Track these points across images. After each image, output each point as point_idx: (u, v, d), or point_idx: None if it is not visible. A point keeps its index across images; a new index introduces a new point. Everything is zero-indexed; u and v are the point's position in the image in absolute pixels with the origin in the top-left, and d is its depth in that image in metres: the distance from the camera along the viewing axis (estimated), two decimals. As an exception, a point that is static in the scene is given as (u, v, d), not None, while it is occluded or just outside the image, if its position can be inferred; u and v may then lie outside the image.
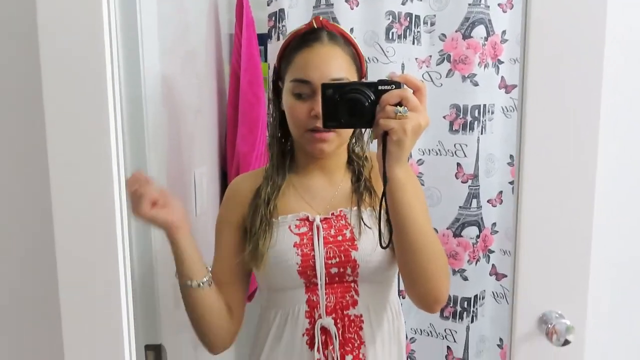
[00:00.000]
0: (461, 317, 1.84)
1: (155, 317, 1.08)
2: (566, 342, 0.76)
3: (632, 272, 0.87)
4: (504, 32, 1.72)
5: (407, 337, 1.88)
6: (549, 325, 0.77)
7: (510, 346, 0.79)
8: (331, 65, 0.97)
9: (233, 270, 1.05)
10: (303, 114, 0.97)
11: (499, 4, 1.69)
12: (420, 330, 1.90)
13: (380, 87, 0.81)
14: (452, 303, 1.84)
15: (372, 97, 0.81)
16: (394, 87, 0.81)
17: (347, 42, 1.01)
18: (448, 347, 1.86)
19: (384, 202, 0.85)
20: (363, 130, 1.07)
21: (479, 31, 1.67)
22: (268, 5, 1.61)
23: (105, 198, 0.65)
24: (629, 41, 0.82)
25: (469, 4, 1.65)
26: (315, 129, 0.97)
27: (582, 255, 0.77)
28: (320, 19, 1.03)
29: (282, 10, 1.60)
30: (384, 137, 0.81)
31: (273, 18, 1.61)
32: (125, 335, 0.66)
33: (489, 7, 1.67)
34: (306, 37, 0.99)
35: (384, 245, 0.88)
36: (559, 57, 0.74)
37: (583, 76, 0.74)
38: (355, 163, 1.07)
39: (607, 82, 0.74)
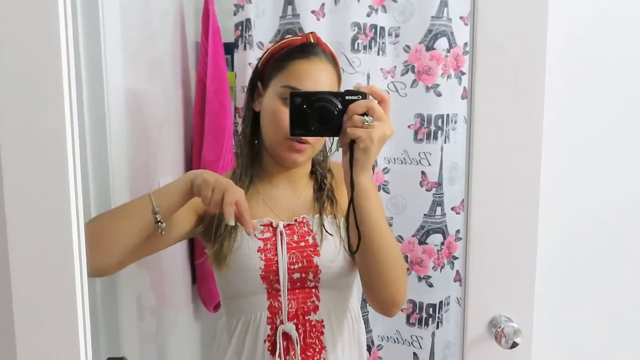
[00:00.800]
0: (427, 324, 1.86)
1: (117, 329, 1.07)
2: (514, 345, 0.79)
3: (577, 277, 0.91)
4: (465, 44, 1.77)
5: (374, 344, 1.90)
6: (498, 329, 0.80)
7: (462, 349, 0.82)
8: (325, 80, 1.00)
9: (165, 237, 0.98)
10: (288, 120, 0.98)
11: (460, 17, 1.73)
12: (387, 337, 1.91)
13: (347, 97, 0.84)
14: (417, 309, 1.86)
15: (340, 106, 0.84)
16: (361, 97, 0.84)
17: (335, 62, 1.06)
18: (414, 354, 1.89)
19: (351, 208, 0.87)
20: (329, 142, 1.10)
21: (442, 43, 1.72)
22: (234, 14, 1.62)
23: (62, 209, 0.64)
24: (570, 52, 0.86)
25: (432, 17, 1.70)
26: (296, 138, 0.99)
27: (528, 262, 0.81)
28: (316, 35, 1.06)
29: (248, 20, 1.61)
30: (350, 146, 0.84)
31: (240, 27, 1.62)
32: (82, 348, 0.65)
33: (451, 19, 1.72)
34: (304, 48, 1.02)
35: (353, 250, 0.90)
36: (504, 69, 0.78)
37: (527, 87, 0.78)
38: (318, 172, 1.10)
39: (550, 90, 0.79)
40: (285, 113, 0.97)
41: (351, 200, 0.86)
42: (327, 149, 1.13)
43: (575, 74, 0.87)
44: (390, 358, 1.91)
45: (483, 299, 0.81)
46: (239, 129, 1.14)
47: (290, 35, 1.06)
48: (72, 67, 0.63)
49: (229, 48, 1.66)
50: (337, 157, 1.14)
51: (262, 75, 1.06)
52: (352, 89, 0.85)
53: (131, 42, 1.15)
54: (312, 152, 1.04)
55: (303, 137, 0.98)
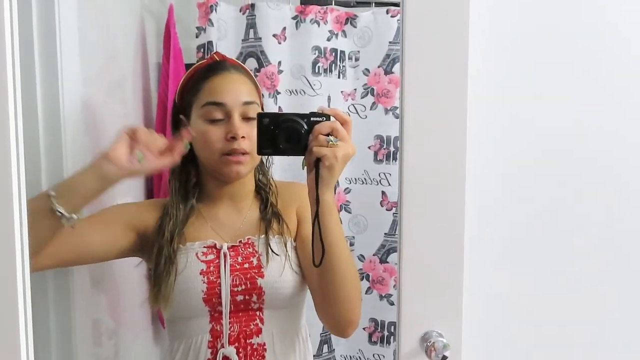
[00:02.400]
0: (388, 342, 1.88)
1: (71, 354, 1.04)
2: (444, 358, 0.83)
3: (505, 292, 0.95)
4: (422, 69, 1.83)
5: (336, 364, 1.90)
6: (428, 343, 0.83)
7: None
8: (242, 89, 1.03)
9: (94, 244, 0.98)
10: (218, 138, 1.00)
11: (417, 43, 1.80)
12: (350, 357, 1.92)
13: (312, 119, 0.88)
14: (379, 328, 1.88)
15: (305, 127, 0.88)
16: (325, 118, 0.89)
17: (248, 74, 1.08)
18: (376, 372, 1.89)
19: (316, 224, 0.90)
20: (265, 159, 1.12)
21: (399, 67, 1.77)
22: (197, 37, 1.64)
23: (7, 239, 0.62)
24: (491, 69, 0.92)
25: (390, 42, 1.76)
26: (232, 152, 1.00)
27: (456, 279, 0.85)
28: (220, 53, 1.09)
29: (210, 42, 1.62)
30: (316, 164, 0.87)
31: (202, 50, 1.63)
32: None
33: (408, 45, 1.78)
34: (212, 67, 1.05)
35: (316, 263, 0.90)
36: (429, 86, 0.84)
37: (450, 110, 0.84)
38: (262, 191, 1.11)
39: (473, 108, 0.84)
40: (212, 131, 1.00)
41: (316, 215, 0.89)
42: (266, 165, 1.13)
43: (498, 90, 0.91)
44: (353, 378, 1.91)
45: (415, 315, 0.84)
46: None
47: (201, 62, 1.10)
48: (17, 85, 0.62)
49: (191, 69, 1.66)
50: (280, 177, 1.17)
51: (182, 107, 1.06)
52: (316, 111, 0.90)
53: (90, 59, 1.15)
54: (253, 162, 1.04)
55: (239, 147, 0.99)
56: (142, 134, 0.92)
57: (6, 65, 0.62)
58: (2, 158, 0.62)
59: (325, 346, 1.86)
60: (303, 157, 0.89)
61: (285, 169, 1.68)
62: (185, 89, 1.06)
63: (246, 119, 1.01)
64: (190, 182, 1.07)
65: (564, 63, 0.92)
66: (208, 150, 1.01)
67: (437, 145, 0.83)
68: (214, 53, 1.09)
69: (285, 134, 0.88)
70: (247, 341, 1.00)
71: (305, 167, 0.90)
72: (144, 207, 1.09)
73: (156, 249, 1.01)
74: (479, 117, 0.87)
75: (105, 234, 0.99)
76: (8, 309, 0.63)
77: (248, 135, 0.99)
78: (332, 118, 0.89)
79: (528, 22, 0.91)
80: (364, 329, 1.89)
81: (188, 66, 1.62)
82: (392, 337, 1.88)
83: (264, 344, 1.01)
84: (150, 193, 1.59)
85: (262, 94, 1.11)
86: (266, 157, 1.12)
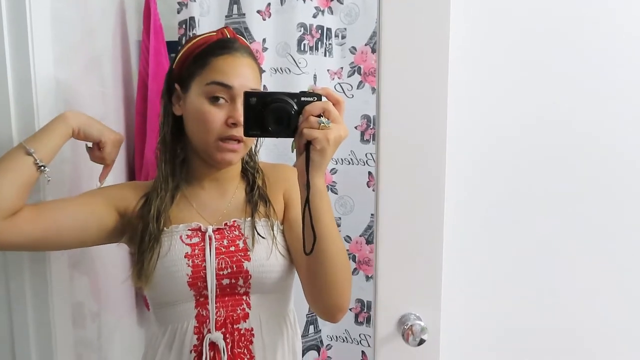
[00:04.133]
0: (375, 322, 1.89)
1: (49, 338, 1.02)
2: (422, 342, 0.81)
3: (484, 275, 0.94)
4: (410, 47, 1.80)
5: (323, 344, 1.90)
6: (405, 326, 0.82)
7: (374, 347, 0.83)
8: (251, 76, 0.99)
9: (71, 215, 0.96)
10: (218, 120, 0.96)
11: (405, 20, 1.77)
12: (336, 337, 1.93)
13: (303, 99, 0.83)
14: (365, 308, 1.88)
15: (296, 107, 0.83)
16: (316, 99, 0.84)
17: (254, 56, 1.04)
18: (363, 352, 1.90)
19: (306, 209, 0.86)
20: (255, 141, 1.09)
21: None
22: (178, 13, 1.59)
23: None
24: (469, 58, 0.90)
25: (377, 19, 1.72)
26: (230, 137, 0.96)
27: (435, 261, 0.83)
28: (231, 30, 1.04)
29: (192, 19, 1.58)
30: (307, 147, 0.83)
31: (184, 26, 1.59)
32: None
33: (396, 22, 1.75)
34: (224, 44, 0.99)
35: (307, 251, 0.88)
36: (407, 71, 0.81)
37: (429, 83, 0.82)
38: (248, 173, 1.08)
39: (453, 93, 0.82)
40: (214, 113, 0.96)
41: (307, 201, 0.85)
42: (254, 149, 1.10)
43: (478, 75, 0.90)
44: (339, 357, 1.92)
45: (392, 298, 0.82)
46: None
47: (209, 33, 1.03)
48: None
49: (173, 46, 1.62)
50: (266, 158, 1.14)
51: (180, 76, 1.02)
52: (307, 90, 0.85)
53: (64, 36, 1.10)
54: (245, 150, 1.02)
55: (237, 134, 0.96)
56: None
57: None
58: None
59: (312, 327, 1.86)
60: (292, 139, 0.86)
61: (271, 149, 1.65)
62: (189, 60, 1.00)
63: None
64: (178, 160, 1.04)
65: (547, 41, 0.90)
66: (204, 132, 0.98)
67: (415, 122, 0.81)
68: (225, 28, 1.04)
69: (274, 115, 0.83)
70: (234, 326, 0.99)
71: (295, 150, 0.86)
72: (124, 188, 1.06)
73: (141, 227, 0.98)
74: (459, 93, 0.85)
75: (85, 209, 0.96)
76: None
77: None
78: (323, 98, 0.84)
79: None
80: (350, 309, 1.89)
81: (169, 43, 1.58)
82: (378, 317, 1.89)
83: (252, 329, 1.00)
84: (132, 174, 1.56)
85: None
86: (255, 140, 1.09)
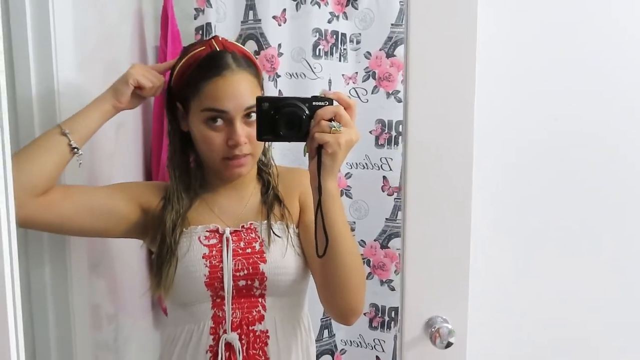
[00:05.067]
0: (389, 327, 1.88)
1: (70, 340, 1.03)
2: (449, 344, 0.81)
3: (511, 277, 0.93)
4: (425, 52, 1.80)
5: (337, 349, 1.90)
6: (433, 329, 0.82)
7: (400, 350, 0.83)
8: (244, 92, 0.98)
9: (98, 202, 0.98)
10: (219, 143, 0.97)
11: (419, 25, 1.77)
12: (350, 342, 1.92)
13: (314, 103, 0.85)
14: (380, 313, 1.88)
15: (307, 112, 0.85)
16: (327, 103, 0.85)
17: (250, 63, 1.02)
18: (377, 357, 1.89)
19: (319, 213, 0.87)
20: (267, 143, 1.09)
21: (402, 50, 1.75)
22: (195, 18, 1.61)
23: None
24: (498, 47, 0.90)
25: (392, 24, 1.73)
26: (233, 157, 0.98)
27: (461, 264, 0.83)
28: (220, 39, 1.02)
29: (209, 24, 1.60)
30: (318, 151, 0.84)
31: (200, 32, 1.60)
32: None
33: (410, 27, 1.75)
34: (212, 63, 0.98)
35: (320, 255, 0.88)
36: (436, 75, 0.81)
37: (458, 94, 0.82)
38: (264, 173, 1.09)
39: (481, 95, 0.82)
40: (213, 137, 0.97)
41: (319, 205, 0.86)
42: (266, 148, 1.10)
43: (504, 79, 0.89)
44: (353, 362, 1.92)
45: (419, 301, 0.83)
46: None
47: (199, 47, 1.03)
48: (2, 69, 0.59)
49: (190, 52, 1.64)
50: (280, 163, 1.14)
51: (179, 95, 1.02)
52: (318, 95, 0.86)
53: (85, 42, 1.12)
54: (254, 160, 1.03)
55: (240, 153, 0.97)
56: (144, 81, 0.99)
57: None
58: None
59: (326, 331, 1.85)
60: (304, 143, 0.87)
61: (286, 153, 1.66)
62: (183, 80, 1.00)
63: (248, 122, 0.98)
64: (190, 170, 1.05)
65: (578, 42, 0.90)
66: (209, 153, 1.00)
67: (443, 125, 0.81)
68: (213, 38, 1.03)
69: (286, 119, 0.84)
70: (250, 328, 0.99)
71: (307, 154, 0.87)
72: (148, 187, 1.08)
73: (159, 237, 1.00)
74: (487, 98, 0.85)
75: (111, 199, 0.99)
76: None
77: (250, 138, 0.97)
78: (334, 102, 0.85)
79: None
80: (364, 314, 1.88)
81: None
82: (392, 322, 1.88)
83: (267, 331, 1.00)
84: (149, 175, 1.57)
85: (262, 78, 1.07)
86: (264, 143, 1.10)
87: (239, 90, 0.97)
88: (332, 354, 1.88)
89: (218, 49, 1.00)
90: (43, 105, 0.96)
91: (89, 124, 0.95)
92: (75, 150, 0.93)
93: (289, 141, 0.87)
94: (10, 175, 0.61)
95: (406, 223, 0.81)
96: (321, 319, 1.82)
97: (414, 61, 0.80)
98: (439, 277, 0.82)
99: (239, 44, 1.06)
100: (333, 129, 0.83)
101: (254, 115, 0.96)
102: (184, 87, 1.01)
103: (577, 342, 0.95)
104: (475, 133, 0.81)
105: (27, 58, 0.91)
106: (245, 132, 0.97)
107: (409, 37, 0.79)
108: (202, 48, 1.01)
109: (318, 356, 1.81)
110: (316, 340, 1.78)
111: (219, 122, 0.97)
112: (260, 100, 0.86)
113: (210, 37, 1.06)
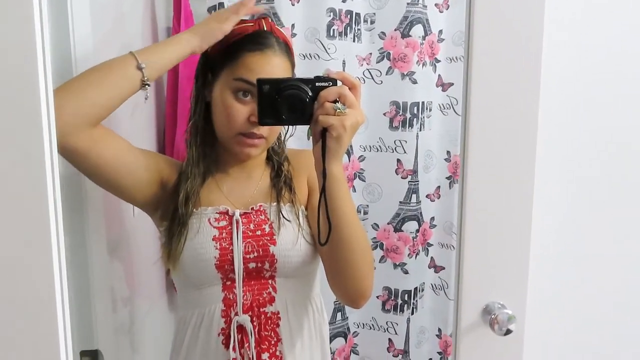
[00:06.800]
0: (402, 310, 1.88)
1: (90, 322, 1.04)
2: (508, 332, 0.80)
3: (570, 264, 0.92)
4: (440, 32, 1.77)
5: (349, 331, 1.90)
6: (492, 316, 0.80)
7: (455, 337, 0.82)
8: (279, 74, 0.96)
9: (133, 155, 0.97)
10: (242, 116, 0.95)
11: (435, 4, 1.74)
12: (363, 324, 1.93)
13: (317, 84, 0.82)
14: (393, 296, 1.88)
15: (310, 93, 0.82)
16: (331, 84, 0.82)
17: (289, 51, 1.02)
18: (389, 340, 1.90)
19: (323, 197, 0.85)
20: (284, 129, 1.07)
21: (417, 30, 1.72)
22: (207, -2, 1.58)
23: (39, 201, 0.61)
24: (566, 41, 0.88)
25: (408, 3, 1.69)
26: (250, 135, 0.96)
27: (522, 249, 0.81)
28: (270, 20, 1.02)
29: (221, 4, 1.57)
30: (322, 134, 0.82)
31: (212, 12, 1.58)
32: (62, 343, 0.62)
33: (426, 7, 1.72)
34: (258, 39, 0.97)
35: (323, 241, 0.87)
36: (500, 57, 0.78)
37: (522, 75, 0.79)
38: (274, 159, 1.07)
39: (545, 82, 0.79)
40: (237, 108, 0.95)
41: (323, 189, 0.84)
42: (283, 136, 1.09)
43: (572, 67, 0.88)
44: (366, 344, 1.93)
45: (477, 286, 0.81)
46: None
47: (248, 22, 1.01)
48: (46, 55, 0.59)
49: (202, 33, 1.61)
50: (292, 145, 1.13)
51: (214, 61, 1.01)
52: (321, 75, 0.83)
53: (100, 23, 1.10)
54: (267, 145, 1.01)
55: (257, 132, 0.95)
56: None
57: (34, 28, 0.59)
58: (34, 130, 0.60)
59: (339, 314, 1.86)
60: (308, 126, 0.84)
61: (302, 138, 1.64)
62: (223, 48, 0.99)
63: None
64: (208, 144, 1.04)
65: None
66: (226, 125, 0.98)
67: (506, 107, 0.78)
68: (263, 19, 1.01)
69: (288, 102, 0.82)
70: (261, 309, 0.99)
71: (311, 137, 0.85)
72: (169, 162, 1.06)
73: (172, 208, 0.99)
74: (550, 93, 0.82)
75: (140, 157, 0.98)
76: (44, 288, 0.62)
77: None
78: (339, 83, 0.82)
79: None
80: (377, 297, 1.89)
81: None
82: (405, 305, 1.88)
83: (278, 313, 1.00)
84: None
85: (295, 67, 1.05)
86: (285, 127, 1.08)
87: (275, 71, 0.96)
88: (345, 337, 1.89)
89: (266, 29, 1.00)
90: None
91: (164, 62, 0.93)
92: (146, 86, 0.90)
93: (292, 125, 0.85)
94: (56, 160, 0.60)
95: (465, 206, 0.78)
96: (334, 301, 1.82)
97: (476, 56, 0.77)
98: (496, 262, 0.81)
99: (284, 32, 1.04)
100: (338, 110, 0.80)
101: None
102: (223, 54, 0.99)
103: (638, 330, 0.94)
104: (540, 120, 0.79)
105: (43, 39, 0.90)
106: None
107: (472, 34, 0.76)
108: (251, 25, 1.00)
109: (331, 338, 1.82)
110: (330, 323, 1.79)
111: (248, 96, 0.96)
112: (261, 82, 0.83)
113: (260, 15, 1.04)
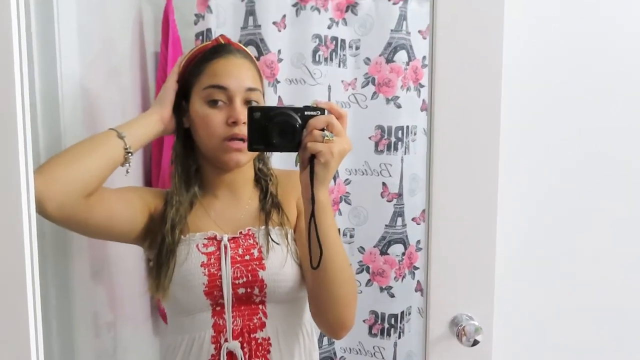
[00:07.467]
0: (389, 334, 1.87)
1: (72, 347, 1.02)
2: (475, 342, 0.81)
3: (536, 275, 0.94)
4: (424, 58, 1.81)
5: (336, 356, 1.88)
6: (459, 327, 0.82)
7: (424, 348, 0.83)
8: (245, 74, 1.01)
9: (127, 205, 0.99)
10: (219, 122, 0.97)
11: (419, 31, 1.78)
12: (350, 349, 1.91)
13: (306, 113, 0.85)
14: (379, 320, 1.87)
15: (299, 121, 0.84)
16: (319, 112, 0.85)
17: (251, 59, 1.06)
18: (377, 364, 1.88)
19: (312, 223, 0.86)
20: (267, 154, 1.10)
21: (401, 56, 1.75)
22: (195, 24, 1.60)
23: (14, 223, 0.60)
24: (525, 48, 0.91)
25: (391, 30, 1.73)
26: (233, 137, 0.97)
27: (487, 262, 0.83)
28: (226, 37, 1.07)
29: (209, 30, 1.59)
30: (311, 160, 0.84)
31: (200, 37, 1.60)
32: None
33: (409, 33, 1.76)
34: (216, 50, 1.02)
35: (314, 266, 0.88)
36: (462, 86, 0.82)
37: (483, 99, 0.83)
38: (262, 180, 1.08)
39: (508, 91, 0.83)
40: (214, 114, 0.98)
41: (312, 215, 0.86)
42: (267, 159, 1.11)
43: (534, 75, 0.91)
44: (353, 370, 1.91)
45: (444, 299, 0.83)
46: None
47: (206, 43, 1.07)
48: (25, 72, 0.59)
49: (190, 58, 1.63)
50: (278, 165, 1.14)
51: (183, 89, 1.04)
52: (310, 104, 0.86)
53: (88, 47, 1.12)
54: (252, 154, 1.03)
55: (239, 133, 0.97)
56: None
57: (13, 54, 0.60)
58: (10, 148, 0.60)
59: (325, 339, 1.84)
60: (297, 153, 0.86)
61: (285, 159, 1.65)
62: (187, 70, 1.03)
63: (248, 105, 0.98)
64: (192, 170, 1.05)
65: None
66: (208, 135, 0.99)
67: (468, 117, 0.81)
68: (220, 36, 1.07)
69: (278, 128, 0.84)
70: (251, 335, 0.98)
71: (299, 164, 0.87)
72: (153, 192, 1.07)
73: (159, 238, 0.99)
74: (512, 102, 0.85)
75: (132, 204, 0.99)
76: (17, 301, 0.61)
77: None
78: (326, 112, 0.86)
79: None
80: (364, 321, 1.87)
81: (187, 54, 1.59)
82: (392, 329, 1.87)
83: (269, 339, 0.99)
84: (148, 182, 1.56)
85: (262, 78, 1.09)
86: None
87: (240, 70, 1.00)
88: (332, 361, 1.87)
89: (223, 42, 1.05)
90: (47, 110, 0.95)
91: (141, 131, 0.97)
92: (129, 155, 0.93)
93: (281, 151, 0.87)
94: (32, 186, 0.60)
95: (431, 220, 0.81)
96: (321, 325, 1.80)
97: (439, 69, 0.80)
98: (464, 274, 0.83)
99: (243, 47, 1.09)
100: (325, 138, 0.83)
101: (254, 100, 0.99)
102: (188, 74, 1.03)
103: (604, 342, 0.95)
104: (502, 128, 0.82)
105: (32, 62, 0.91)
106: (245, 113, 0.95)
107: (435, 44, 0.79)
108: (209, 43, 1.06)
109: (318, 363, 1.80)
110: (316, 348, 1.77)
111: (220, 103, 0.99)
112: (252, 110, 0.86)
113: (218, 36, 1.08)
